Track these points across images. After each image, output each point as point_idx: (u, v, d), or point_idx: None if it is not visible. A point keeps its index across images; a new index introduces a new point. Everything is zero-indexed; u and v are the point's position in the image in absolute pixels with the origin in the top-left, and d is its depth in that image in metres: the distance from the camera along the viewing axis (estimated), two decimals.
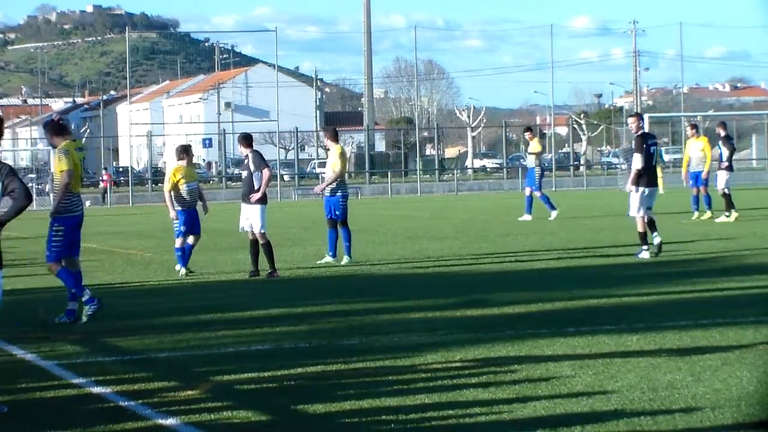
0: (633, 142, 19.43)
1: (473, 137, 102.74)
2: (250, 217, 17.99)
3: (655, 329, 11.35)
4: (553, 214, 30.25)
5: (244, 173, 18.11)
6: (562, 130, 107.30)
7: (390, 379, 9.33)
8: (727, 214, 27.75)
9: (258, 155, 18.11)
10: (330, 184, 19.50)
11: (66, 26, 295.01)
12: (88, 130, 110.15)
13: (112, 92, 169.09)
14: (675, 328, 11.40)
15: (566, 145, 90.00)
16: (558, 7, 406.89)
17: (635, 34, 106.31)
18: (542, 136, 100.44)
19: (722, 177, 28.22)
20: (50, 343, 11.60)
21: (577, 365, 9.57)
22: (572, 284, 15.62)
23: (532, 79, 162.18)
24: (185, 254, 18.30)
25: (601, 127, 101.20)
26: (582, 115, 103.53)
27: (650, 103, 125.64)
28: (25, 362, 10.71)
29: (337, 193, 19.46)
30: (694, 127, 30.50)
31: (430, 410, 8.18)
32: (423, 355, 10.29)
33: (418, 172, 72.12)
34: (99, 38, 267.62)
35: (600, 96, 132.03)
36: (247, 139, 18.27)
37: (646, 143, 19.03)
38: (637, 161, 18.92)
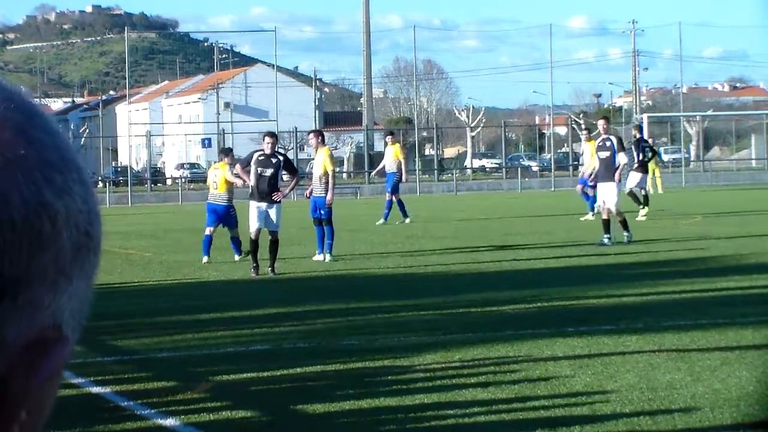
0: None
1: (472, 137, 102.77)
2: (270, 215, 18.12)
3: (654, 329, 11.35)
4: (381, 221, 30.20)
5: (267, 171, 18.24)
6: (562, 130, 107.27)
7: (389, 379, 9.33)
8: (642, 208, 28.96)
9: (287, 158, 19.08)
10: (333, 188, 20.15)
11: (65, 26, 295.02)
12: (87, 130, 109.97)
13: (111, 92, 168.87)
14: (674, 328, 11.41)
15: (565, 145, 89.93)
16: (555, 7, 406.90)
17: (634, 33, 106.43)
18: (541, 136, 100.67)
19: (633, 177, 29.07)
20: None
21: (577, 365, 9.57)
22: (572, 284, 15.63)
23: (530, 79, 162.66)
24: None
25: None
26: (581, 115, 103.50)
27: (650, 103, 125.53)
28: None
29: (325, 193, 19.71)
30: (587, 130, 32.24)
31: (429, 410, 8.18)
32: (422, 355, 10.28)
33: (417, 172, 72.10)
34: (98, 38, 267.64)
35: (599, 96, 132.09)
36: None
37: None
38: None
